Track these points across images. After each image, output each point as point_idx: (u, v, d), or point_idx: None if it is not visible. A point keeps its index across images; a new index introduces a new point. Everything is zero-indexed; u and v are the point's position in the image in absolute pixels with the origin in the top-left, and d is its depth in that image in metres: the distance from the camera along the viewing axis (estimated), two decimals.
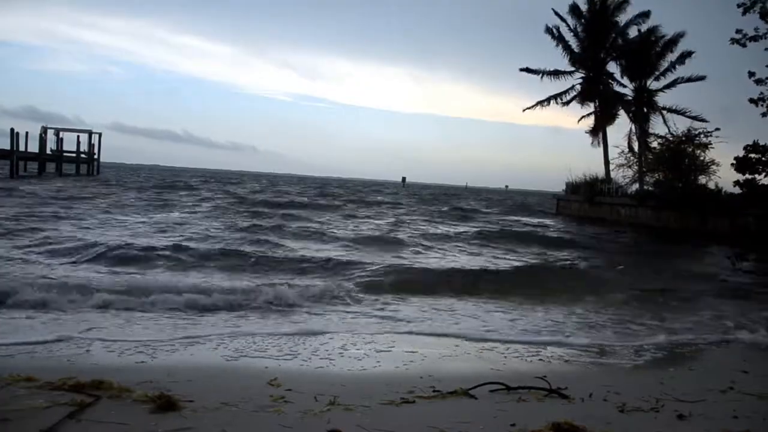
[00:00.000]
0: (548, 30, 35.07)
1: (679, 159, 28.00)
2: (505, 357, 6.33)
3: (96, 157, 57.64)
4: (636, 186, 31.82)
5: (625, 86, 34.75)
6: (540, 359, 6.32)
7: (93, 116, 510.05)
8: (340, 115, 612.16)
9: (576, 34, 34.99)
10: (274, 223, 20.50)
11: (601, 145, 35.28)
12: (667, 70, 32.78)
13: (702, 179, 27.68)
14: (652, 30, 33.00)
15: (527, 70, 35.66)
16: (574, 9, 34.69)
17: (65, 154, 52.32)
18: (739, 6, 15.92)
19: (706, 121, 29.75)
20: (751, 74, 15.94)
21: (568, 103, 35.75)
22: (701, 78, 32.25)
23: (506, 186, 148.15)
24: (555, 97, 35.81)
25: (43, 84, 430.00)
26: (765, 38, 15.90)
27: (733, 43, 16.11)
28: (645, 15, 33.28)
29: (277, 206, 30.24)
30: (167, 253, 12.30)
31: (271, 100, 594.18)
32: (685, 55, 32.20)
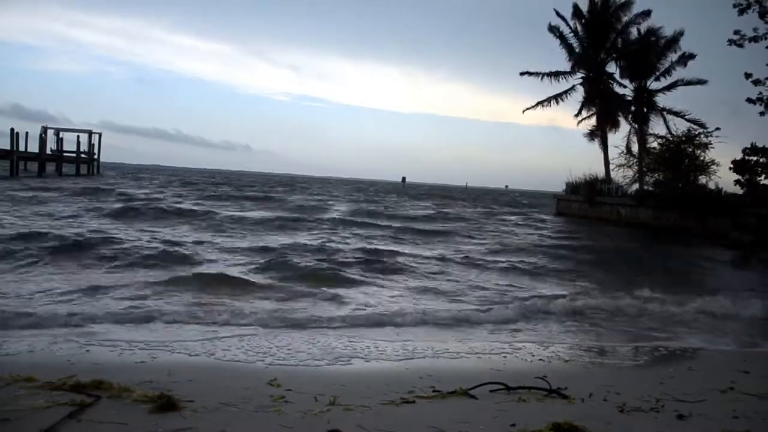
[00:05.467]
0: (551, 29, 35.00)
1: (679, 159, 27.96)
2: (505, 357, 6.33)
3: (96, 157, 57.61)
4: (636, 186, 31.81)
5: (625, 86, 34.81)
6: (540, 359, 6.32)
7: (81, 115, 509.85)
8: (339, 114, 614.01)
9: (576, 34, 34.98)
10: None
11: (601, 145, 35.31)
12: (668, 70, 32.78)
13: (702, 179, 27.68)
14: (653, 30, 32.99)
15: (527, 73, 35.67)
16: (574, 9, 34.69)
17: (65, 154, 52.30)
18: (734, 6, 15.87)
19: (705, 127, 29.72)
20: (748, 76, 15.89)
21: (578, 114, 35.81)
22: (702, 82, 32.27)
23: (506, 186, 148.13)
24: (556, 97, 35.79)
25: (31, 82, 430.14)
26: (765, 39, 15.84)
27: (730, 45, 16.06)
28: (645, 14, 33.24)
29: None
30: None
31: (266, 99, 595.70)
32: (687, 57, 32.19)
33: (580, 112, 35.86)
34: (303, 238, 17.54)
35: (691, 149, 28.26)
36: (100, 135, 56.74)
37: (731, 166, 18.57)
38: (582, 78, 35.52)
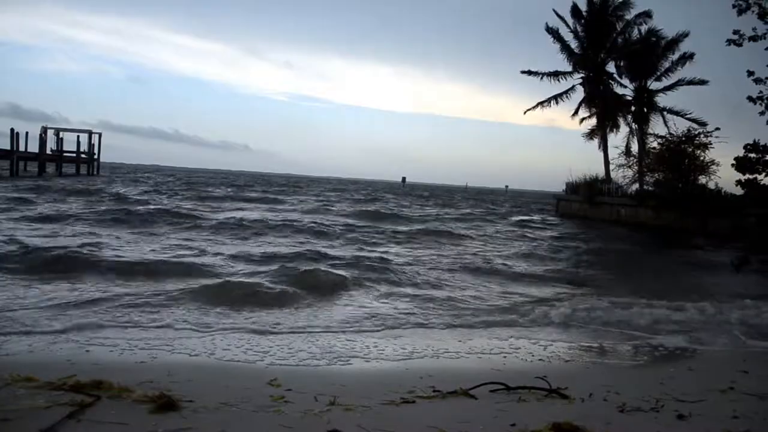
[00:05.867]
0: (548, 29, 34.99)
1: (679, 159, 27.99)
2: (505, 357, 6.34)
3: (96, 157, 57.66)
4: (636, 186, 31.84)
5: (625, 87, 34.81)
6: (540, 359, 6.32)
7: (79, 114, 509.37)
8: (339, 114, 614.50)
9: (576, 35, 34.96)
10: None
11: (601, 145, 35.33)
12: (669, 70, 32.78)
13: (702, 179, 27.73)
14: (653, 30, 32.98)
15: (528, 72, 35.67)
16: (573, 9, 34.66)
17: (65, 154, 52.33)
18: (734, 6, 15.86)
19: (706, 124, 29.79)
20: (750, 73, 15.92)
21: (575, 113, 35.82)
22: (704, 82, 32.27)
23: (506, 186, 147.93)
24: (556, 97, 35.78)
25: (29, 82, 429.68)
26: (764, 38, 15.84)
27: (729, 44, 16.06)
28: (646, 15, 33.21)
29: None
30: None
31: (265, 99, 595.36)
32: (687, 57, 32.20)
33: (577, 111, 35.92)
34: (302, 239, 17.54)
35: (691, 149, 28.29)
36: (100, 135, 56.90)
37: (733, 163, 18.61)
38: (582, 78, 35.54)
